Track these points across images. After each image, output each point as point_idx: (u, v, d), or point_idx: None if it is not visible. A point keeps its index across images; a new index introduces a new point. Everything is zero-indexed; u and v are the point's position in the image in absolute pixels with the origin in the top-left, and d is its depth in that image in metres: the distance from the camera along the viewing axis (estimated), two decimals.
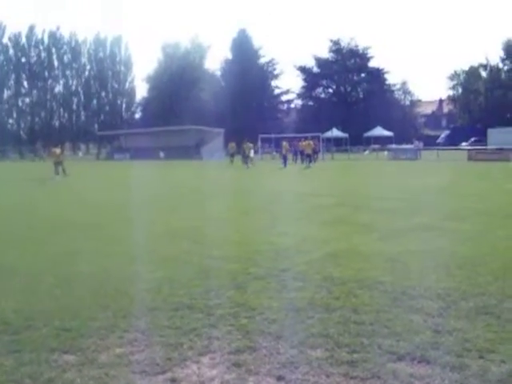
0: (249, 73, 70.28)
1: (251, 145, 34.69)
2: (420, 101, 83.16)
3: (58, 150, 24.45)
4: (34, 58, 78.27)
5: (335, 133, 54.74)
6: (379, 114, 65.05)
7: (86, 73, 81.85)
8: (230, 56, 76.89)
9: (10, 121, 78.51)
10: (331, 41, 78.24)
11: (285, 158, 32.12)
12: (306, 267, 5.67)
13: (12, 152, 71.43)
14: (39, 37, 78.57)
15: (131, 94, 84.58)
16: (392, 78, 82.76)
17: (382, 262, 5.92)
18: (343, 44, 77.90)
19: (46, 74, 78.69)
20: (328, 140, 52.61)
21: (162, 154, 50.37)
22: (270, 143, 52.82)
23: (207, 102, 70.50)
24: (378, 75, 76.70)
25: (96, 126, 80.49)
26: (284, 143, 33.69)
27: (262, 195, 14.80)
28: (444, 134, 68.50)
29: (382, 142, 54.21)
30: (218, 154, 48.73)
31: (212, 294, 4.78)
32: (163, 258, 6.35)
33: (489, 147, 41.59)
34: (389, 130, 56.74)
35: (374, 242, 7.08)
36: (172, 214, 10.76)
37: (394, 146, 47.88)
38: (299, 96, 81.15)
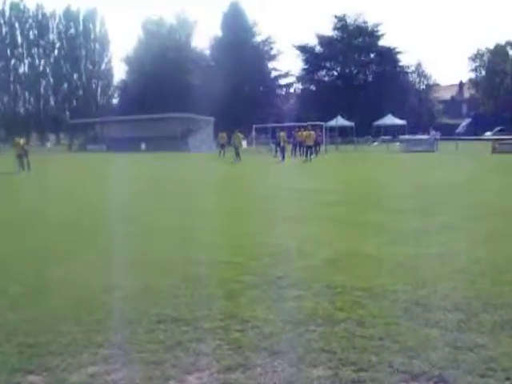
0: (242, 53, 70.22)
1: (242, 135, 34.83)
2: (437, 85, 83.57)
3: (21, 141, 24.39)
4: None
5: (340, 121, 54.90)
6: (390, 100, 65.28)
7: (56, 51, 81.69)
8: (220, 33, 76.78)
9: None
10: (336, 17, 78.26)
11: (282, 150, 32.05)
12: (307, 273, 5.68)
13: None
14: None
15: (108, 76, 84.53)
16: (405, 59, 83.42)
17: (392, 267, 5.93)
18: (349, 20, 77.87)
19: (9, 52, 78.47)
20: (332, 129, 52.77)
21: (143, 146, 50.34)
22: (266, 133, 52.84)
23: (195, 86, 70.34)
24: (389, 55, 76.74)
25: (67, 112, 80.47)
26: (281, 133, 33.46)
27: (256, 192, 14.84)
28: (465, 122, 68.92)
29: (394, 131, 54.36)
30: (207, 146, 48.73)
31: (200, 304, 4.78)
32: (144, 263, 6.34)
33: None
34: (401, 118, 56.99)
35: (384, 245, 7.09)
36: (155, 213, 10.77)
37: (407, 136, 48.00)
38: (299, 79, 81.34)
